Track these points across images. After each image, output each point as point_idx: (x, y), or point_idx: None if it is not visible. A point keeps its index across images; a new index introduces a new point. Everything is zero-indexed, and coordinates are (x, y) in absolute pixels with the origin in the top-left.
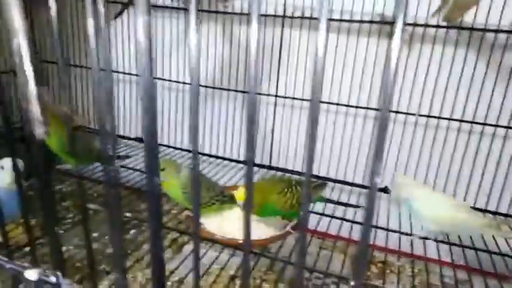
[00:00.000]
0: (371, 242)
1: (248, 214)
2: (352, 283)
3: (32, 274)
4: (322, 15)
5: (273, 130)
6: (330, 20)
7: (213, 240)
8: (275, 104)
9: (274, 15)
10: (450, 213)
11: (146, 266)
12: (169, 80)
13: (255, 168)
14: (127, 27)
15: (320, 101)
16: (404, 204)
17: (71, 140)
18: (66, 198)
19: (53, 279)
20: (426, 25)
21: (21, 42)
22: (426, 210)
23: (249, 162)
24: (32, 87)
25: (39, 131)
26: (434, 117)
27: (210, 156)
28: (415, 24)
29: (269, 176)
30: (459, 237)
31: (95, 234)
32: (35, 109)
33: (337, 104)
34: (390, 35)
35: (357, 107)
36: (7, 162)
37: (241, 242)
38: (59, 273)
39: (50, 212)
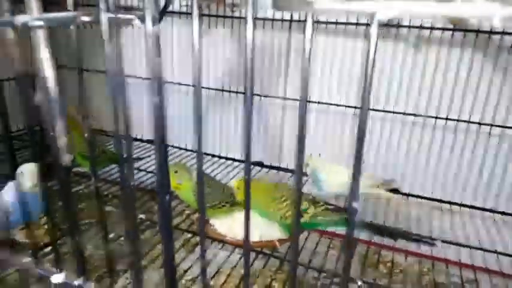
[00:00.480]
0: (380, 242)
1: (248, 211)
2: (359, 283)
3: (58, 278)
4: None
5: (281, 132)
6: (318, 22)
7: (223, 241)
8: (284, 107)
9: (282, 20)
10: (346, 179)
11: (161, 265)
12: (180, 84)
13: (265, 169)
14: (135, 32)
15: (319, 102)
16: (314, 177)
17: (90, 143)
18: (82, 200)
19: (77, 282)
20: (432, 28)
21: (50, 86)
22: (329, 179)
23: (247, 162)
24: (59, 122)
25: (65, 159)
26: (442, 118)
27: (220, 157)
28: (421, 27)
29: (280, 182)
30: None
31: (111, 235)
32: (62, 140)
33: (345, 106)
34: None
35: (355, 107)
36: (26, 167)
37: (253, 243)
38: (82, 278)
39: (73, 218)
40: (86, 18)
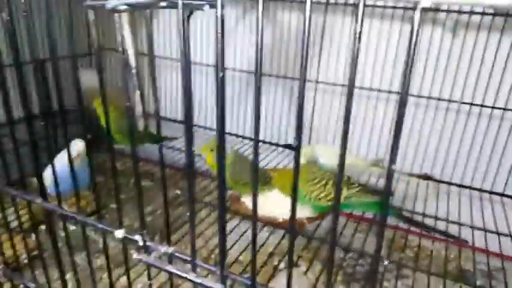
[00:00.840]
0: (407, 228)
1: (294, 198)
2: (385, 262)
3: (120, 233)
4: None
5: (312, 115)
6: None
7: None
8: (315, 90)
9: (318, 2)
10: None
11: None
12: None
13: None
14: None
15: (360, 87)
16: (314, 161)
17: (132, 124)
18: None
19: (136, 237)
20: (472, 12)
21: (131, 61)
22: (327, 160)
23: (297, 148)
24: (137, 94)
25: (140, 124)
26: (477, 105)
27: (251, 139)
28: (459, 12)
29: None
30: (495, 224)
31: (149, 208)
32: (138, 108)
33: (379, 91)
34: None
35: (398, 93)
36: (73, 143)
37: (280, 221)
38: (141, 233)
39: (138, 181)
40: (164, 4)
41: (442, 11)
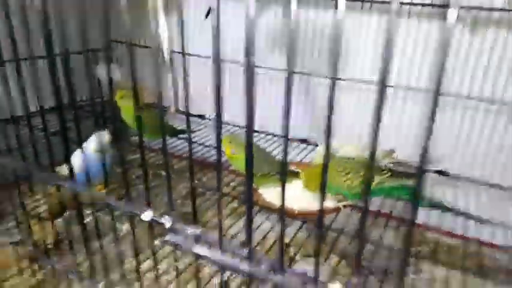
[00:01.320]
0: (425, 224)
1: (323, 192)
2: None
3: (147, 215)
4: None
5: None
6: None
7: (271, 210)
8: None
9: None
10: (355, 153)
11: (210, 230)
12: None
13: (311, 146)
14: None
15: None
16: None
17: (159, 117)
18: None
19: (163, 220)
20: (491, 9)
21: (164, 49)
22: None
23: (327, 146)
24: (170, 79)
25: (172, 109)
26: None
27: (268, 134)
28: (480, 8)
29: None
30: None
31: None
32: (172, 93)
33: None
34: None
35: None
36: (98, 135)
37: (297, 213)
38: (172, 213)
39: (167, 168)
40: None
41: (462, 7)
